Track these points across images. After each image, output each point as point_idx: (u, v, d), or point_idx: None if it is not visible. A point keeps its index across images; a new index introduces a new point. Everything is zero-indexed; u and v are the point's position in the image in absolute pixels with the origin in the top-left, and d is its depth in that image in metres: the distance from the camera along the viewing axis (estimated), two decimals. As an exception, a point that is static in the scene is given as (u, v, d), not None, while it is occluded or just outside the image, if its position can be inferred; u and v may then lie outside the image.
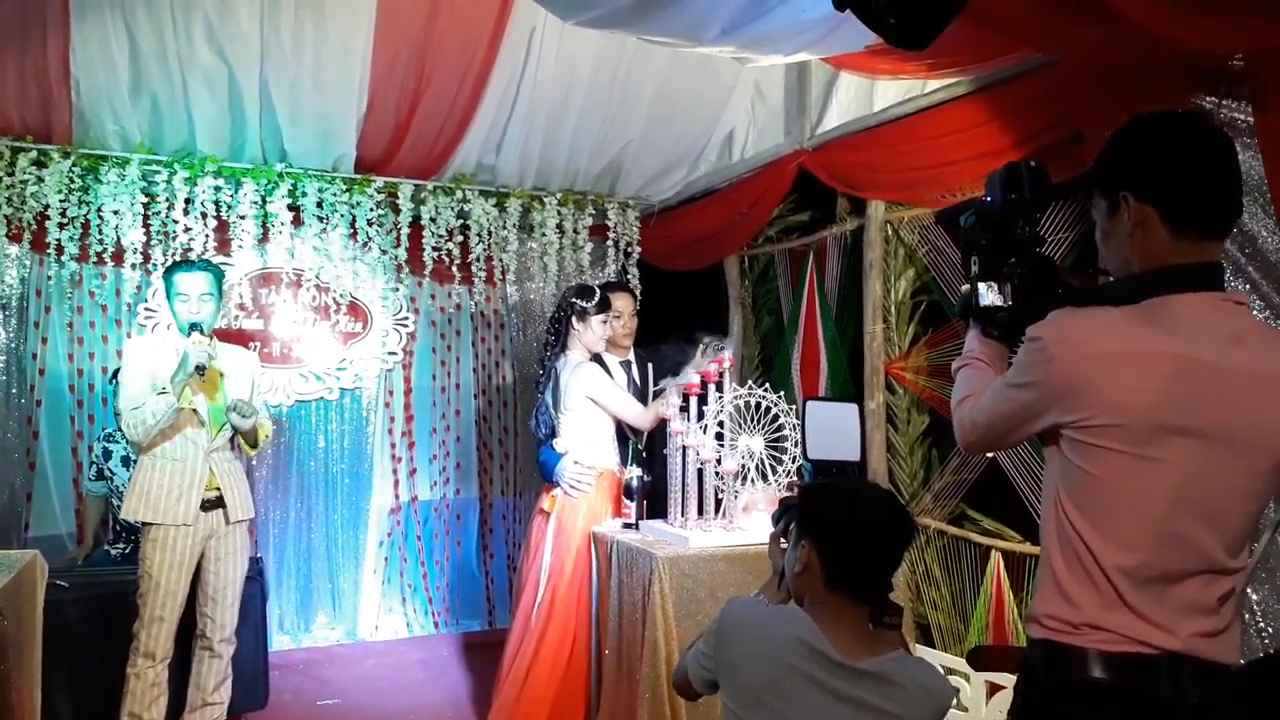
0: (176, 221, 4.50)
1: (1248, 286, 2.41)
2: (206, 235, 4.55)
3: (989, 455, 3.55)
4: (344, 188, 4.77)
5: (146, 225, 4.49)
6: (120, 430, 3.79)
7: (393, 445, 5.45)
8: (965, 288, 1.80)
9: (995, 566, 3.43)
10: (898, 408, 3.96)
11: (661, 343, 4.51)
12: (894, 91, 3.58)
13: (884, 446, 3.96)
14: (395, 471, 5.45)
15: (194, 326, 3.43)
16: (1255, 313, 2.40)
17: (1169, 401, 1.38)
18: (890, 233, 3.93)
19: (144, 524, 3.45)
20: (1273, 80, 2.19)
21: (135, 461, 3.55)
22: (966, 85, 3.25)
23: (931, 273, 3.79)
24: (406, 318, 5.41)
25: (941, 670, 1.93)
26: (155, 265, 4.57)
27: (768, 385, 3.55)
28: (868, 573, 1.68)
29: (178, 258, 4.46)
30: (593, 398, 3.86)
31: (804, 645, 1.64)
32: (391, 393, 5.44)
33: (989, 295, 1.70)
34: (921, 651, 3.57)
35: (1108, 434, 1.41)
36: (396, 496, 5.45)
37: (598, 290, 3.98)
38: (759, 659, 1.70)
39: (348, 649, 5.15)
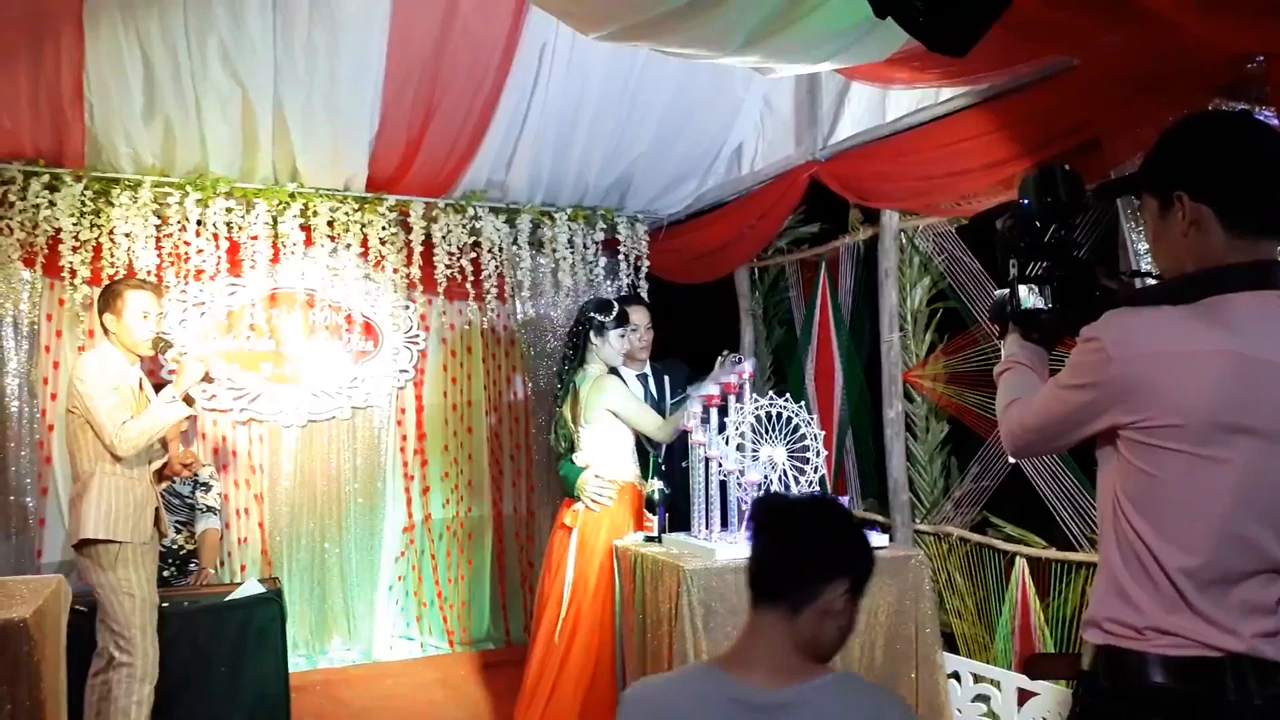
0: (189, 243, 4.50)
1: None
2: (219, 257, 4.55)
3: (1011, 461, 3.55)
4: (355, 207, 4.77)
5: (159, 248, 4.49)
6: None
7: (405, 463, 5.43)
8: (1001, 292, 1.79)
9: (1020, 573, 3.43)
10: (916, 416, 3.96)
11: (673, 356, 4.53)
12: (906, 101, 3.61)
13: (903, 455, 3.96)
14: (408, 490, 5.43)
15: (162, 341, 3.49)
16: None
17: (1231, 401, 1.37)
18: (905, 241, 3.95)
19: (109, 543, 3.33)
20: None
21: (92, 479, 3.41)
22: (979, 94, 3.27)
23: (947, 280, 3.80)
24: (418, 335, 5.40)
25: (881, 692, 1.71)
26: (168, 287, 4.58)
27: (788, 396, 3.55)
28: (776, 578, 1.55)
29: (190, 279, 4.47)
30: (613, 410, 3.86)
31: (719, 699, 1.51)
32: (403, 411, 5.42)
33: (1030, 298, 1.70)
34: (948, 660, 3.57)
35: (1169, 434, 1.40)
36: (410, 515, 5.43)
37: (616, 304, 3.99)
38: None
39: (364, 670, 5.12)
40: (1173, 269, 1.52)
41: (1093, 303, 1.62)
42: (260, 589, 4.06)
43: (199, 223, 4.50)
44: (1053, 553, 3.28)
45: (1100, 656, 1.49)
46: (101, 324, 3.52)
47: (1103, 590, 1.51)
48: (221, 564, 4.83)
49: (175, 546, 4.45)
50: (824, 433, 3.61)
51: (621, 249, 5.25)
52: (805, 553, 1.56)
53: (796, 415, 3.51)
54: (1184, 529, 1.41)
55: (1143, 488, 1.44)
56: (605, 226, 5.26)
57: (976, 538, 3.73)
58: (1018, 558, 3.45)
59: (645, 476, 3.91)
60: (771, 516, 1.64)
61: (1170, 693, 1.40)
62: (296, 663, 4.96)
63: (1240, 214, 1.44)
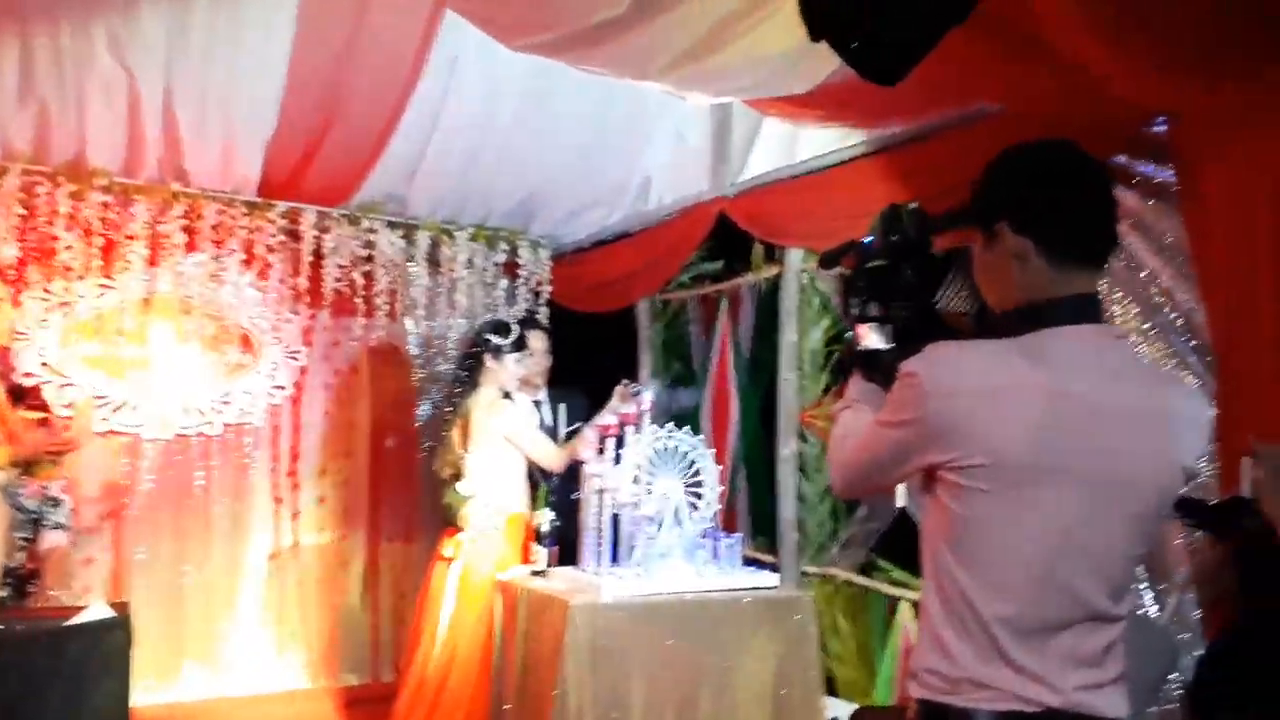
0: (57, 238, 4.19)
1: (1167, 348, 2.50)
2: (91, 255, 4.26)
3: (899, 506, 3.58)
4: (244, 211, 4.55)
5: (22, 240, 4.17)
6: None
7: (276, 485, 5.14)
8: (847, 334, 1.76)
9: (903, 617, 3.44)
10: (809, 456, 3.97)
11: (570, 383, 4.45)
12: (818, 142, 3.65)
13: (795, 495, 3.96)
14: (278, 514, 5.14)
15: None
16: (1166, 365, 2.49)
17: (1045, 440, 1.33)
18: (806, 281, 3.98)
19: None
20: (1194, 145, 2.30)
21: None
22: (888, 139, 3.33)
23: (845, 322, 3.84)
24: (299, 351, 5.16)
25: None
26: (28, 284, 4.25)
27: (687, 429, 3.50)
28: None
29: (56, 276, 4.19)
30: (509, 437, 3.74)
31: None
32: (278, 429, 5.15)
33: (870, 338, 1.66)
34: (829, 703, 3.54)
35: (984, 474, 1.34)
36: (278, 540, 5.14)
37: (514, 327, 3.89)
38: None
39: (219, 703, 4.79)
40: (999, 303, 1.49)
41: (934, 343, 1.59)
42: (107, 613, 3.75)
43: (70, 217, 4.21)
44: (938, 598, 3.29)
45: (920, 710, 1.42)
46: None
47: (922, 640, 1.45)
48: (67, 585, 4.46)
49: (15, 565, 4.08)
50: (719, 468, 3.57)
51: (522, 273, 5.16)
52: None
53: (693, 449, 3.46)
54: (999, 574, 1.36)
55: (959, 530, 1.38)
56: (507, 249, 5.15)
57: (862, 580, 3.74)
58: (901, 602, 3.47)
59: (535, 507, 3.79)
60: None
61: None
62: (144, 694, 4.61)
63: (1060, 246, 1.40)
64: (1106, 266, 1.50)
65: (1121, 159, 2.54)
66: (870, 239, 1.64)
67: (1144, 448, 1.38)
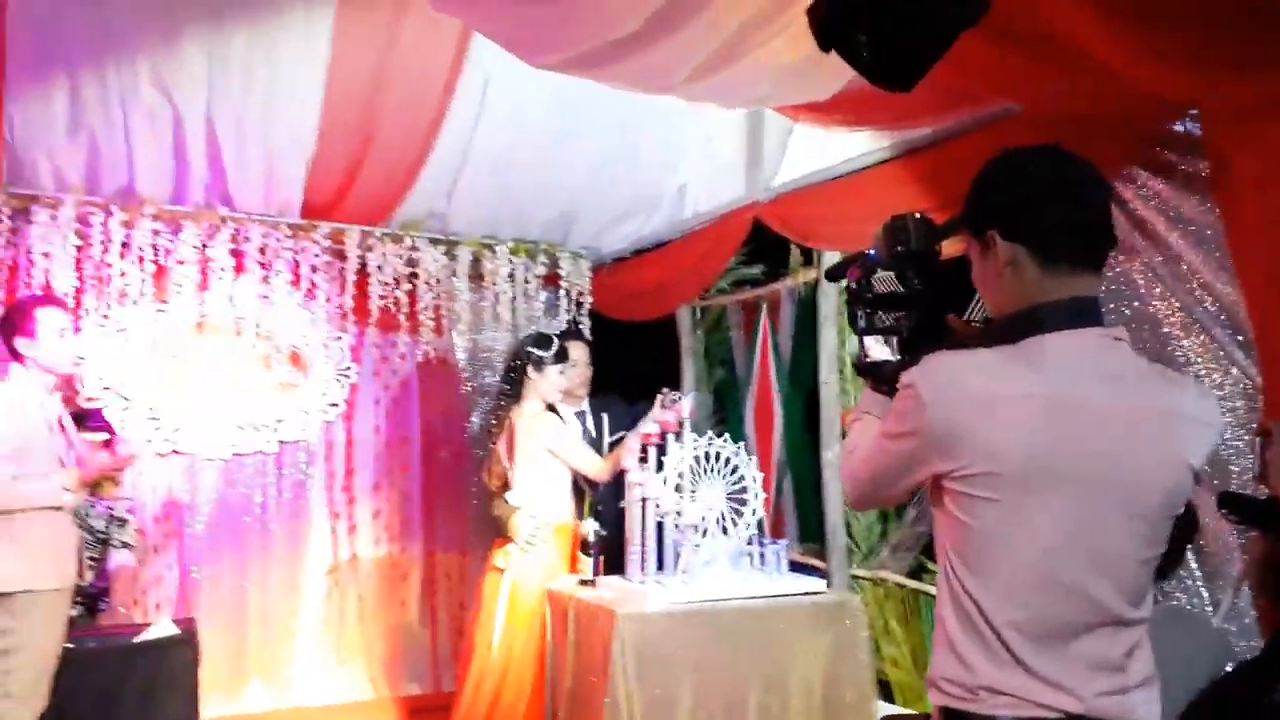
0: (110, 265, 4.33)
1: (1210, 341, 2.44)
2: (143, 280, 4.39)
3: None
4: (289, 233, 4.65)
5: (79, 269, 4.31)
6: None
7: (332, 501, 5.24)
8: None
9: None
10: (854, 460, 3.94)
11: (614, 393, 4.47)
12: (849, 144, 3.62)
13: (841, 499, 3.93)
14: (335, 529, 5.24)
15: None
16: (1215, 369, 2.44)
17: (1045, 445, 1.32)
18: (844, 284, 3.95)
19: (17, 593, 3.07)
20: (1224, 135, 2.24)
21: None
22: (921, 140, 3.30)
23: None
24: (349, 368, 5.25)
25: None
26: (87, 311, 4.40)
27: (727, 436, 3.50)
28: None
29: (112, 302, 4.32)
30: (551, 449, 3.77)
31: None
32: (332, 445, 5.24)
33: (876, 349, 1.65)
34: (882, 709, 3.52)
35: (985, 482, 1.34)
36: (335, 554, 5.24)
37: (555, 340, 3.92)
38: None
39: (283, 715, 4.89)
40: (998, 309, 1.48)
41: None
42: (173, 630, 3.87)
43: (123, 244, 4.34)
44: (989, 600, 3.25)
45: (942, 718, 1.42)
46: (12, 350, 3.31)
47: (939, 648, 1.45)
48: (135, 603, 4.61)
49: (85, 584, 4.22)
50: (763, 475, 3.57)
51: (563, 284, 5.19)
52: None
53: (735, 456, 3.46)
54: (1008, 580, 1.35)
55: (966, 539, 1.38)
56: (547, 261, 5.20)
57: (913, 584, 3.70)
58: (954, 604, 3.42)
59: (581, 517, 3.82)
60: None
61: None
62: (212, 708, 4.73)
63: (1051, 250, 1.39)
64: (1104, 268, 1.47)
65: (1155, 153, 2.49)
66: (874, 251, 1.63)
67: (1147, 449, 1.36)
